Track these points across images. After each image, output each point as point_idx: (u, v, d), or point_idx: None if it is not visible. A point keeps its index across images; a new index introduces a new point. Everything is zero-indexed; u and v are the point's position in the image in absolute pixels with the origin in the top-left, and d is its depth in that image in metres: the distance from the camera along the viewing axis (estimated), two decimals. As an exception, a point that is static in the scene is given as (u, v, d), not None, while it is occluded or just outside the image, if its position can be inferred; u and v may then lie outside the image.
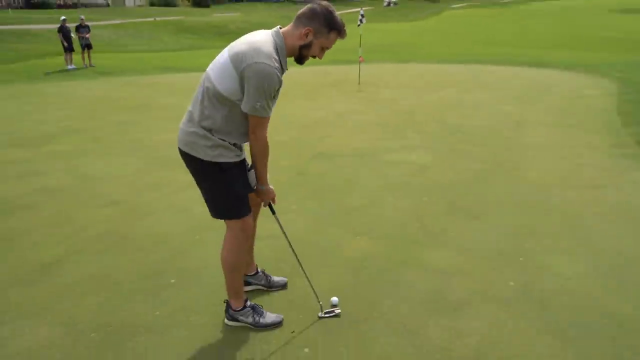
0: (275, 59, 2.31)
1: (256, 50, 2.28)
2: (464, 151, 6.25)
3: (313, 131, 7.41)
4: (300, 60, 2.46)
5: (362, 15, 11.86)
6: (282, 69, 2.37)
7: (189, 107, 2.53)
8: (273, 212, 2.81)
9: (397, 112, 8.80)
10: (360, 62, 12.33)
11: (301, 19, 2.39)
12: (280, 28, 2.43)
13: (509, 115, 8.42)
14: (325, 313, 2.86)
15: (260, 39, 2.35)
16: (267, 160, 2.53)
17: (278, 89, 2.35)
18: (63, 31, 16.35)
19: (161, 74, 15.32)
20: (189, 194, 4.80)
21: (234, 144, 2.48)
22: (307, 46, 2.40)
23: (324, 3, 2.41)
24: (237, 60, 2.30)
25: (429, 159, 5.96)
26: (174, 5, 63.22)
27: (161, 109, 9.35)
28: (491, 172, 5.42)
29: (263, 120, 2.36)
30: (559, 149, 6.34)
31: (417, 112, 8.84)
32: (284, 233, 2.86)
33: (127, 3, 69.51)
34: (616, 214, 4.30)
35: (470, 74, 14.46)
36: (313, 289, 2.94)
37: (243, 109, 2.32)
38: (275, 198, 2.74)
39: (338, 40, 2.45)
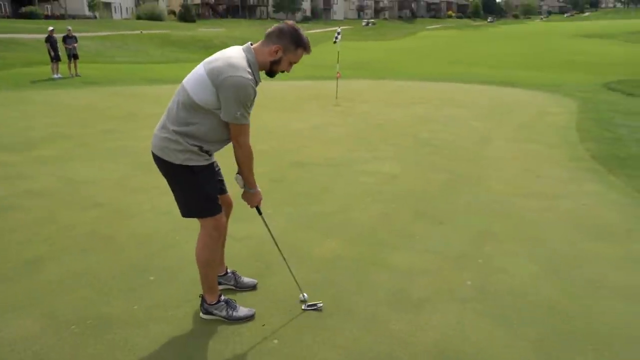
0: (249, 72, 2.46)
1: (231, 65, 2.42)
2: (432, 163, 6.42)
3: (291, 141, 7.52)
4: (271, 74, 2.63)
5: (339, 33, 12.07)
6: (256, 81, 2.51)
7: (163, 116, 2.64)
8: (260, 213, 2.91)
9: (371, 126, 8.97)
10: (337, 78, 12.51)
11: (271, 37, 2.54)
12: (252, 44, 2.57)
13: (476, 130, 8.65)
14: (309, 306, 2.96)
15: (234, 55, 2.48)
16: (252, 164, 2.65)
17: (253, 99, 2.51)
18: (50, 41, 16.21)
19: (147, 85, 15.29)
20: (171, 198, 4.84)
21: (207, 151, 2.58)
22: (277, 62, 2.56)
23: (290, 22, 2.56)
24: (214, 74, 2.43)
25: (399, 169, 6.10)
26: (160, 19, 62.95)
27: (147, 118, 9.36)
28: (457, 182, 5.59)
29: (244, 127, 2.51)
30: (521, 162, 6.55)
31: (390, 125, 9.02)
32: (270, 232, 2.96)
33: (114, 16, 69.04)
34: (569, 220, 4.49)
35: (441, 91, 14.78)
36: (297, 282, 3.03)
37: (224, 119, 2.46)
38: (262, 201, 2.84)
39: (307, 55, 2.67)
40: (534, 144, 7.63)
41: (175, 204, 2.74)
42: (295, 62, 2.60)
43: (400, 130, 8.55)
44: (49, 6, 59.38)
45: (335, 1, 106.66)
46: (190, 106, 2.50)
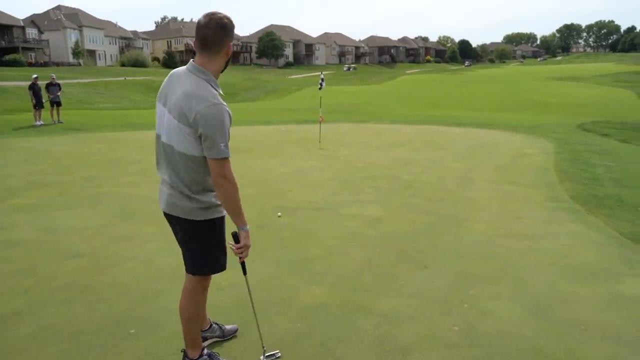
0: (215, 94, 2.37)
1: (197, 97, 2.32)
2: (415, 205, 6.48)
3: (275, 186, 7.54)
4: (224, 69, 2.52)
5: (323, 79, 12.30)
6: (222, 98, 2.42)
7: (163, 175, 2.57)
8: (245, 273, 2.78)
9: (354, 169, 9.06)
10: (320, 122, 12.69)
11: (217, 41, 2.39)
12: (194, 60, 2.44)
13: (456, 172, 8.79)
14: (267, 356, 2.89)
15: (191, 84, 2.38)
16: (239, 200, 2.49)
17: (231, 121, 2.41)
18: (34, 89, 16.26)
19: (130, 131, 15.32)
20: (153, 246, 4.79)
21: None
22: (229, 58, 2.50)
23: (219, 15, 2.37)
24: (184, 116, 2.34)
25: (382, 212, 6.14)
26: (144, 66, 63.69)
27: (129, 164, 9.33)
28: (439, 224, 5.63)
29: (228, 161, 2.41)
30: (500, 203, 6.64)
31: (372, 168, 9.12)
32: (247, 285, 2.88)
33: (98, 63, 69.73)
34: (551, 261, 4.53)
35: (422, 133, 15.06)
36: (260, 333, 2.97)
37: (209, 157, 2.36)
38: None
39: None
40: (514, 184, 7.76)
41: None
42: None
43: (383, 173, 8.64)
44: (32, 54, 59.77)
45: (317, 47, 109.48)
46: (183, 159, 2.43)
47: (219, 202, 2.53)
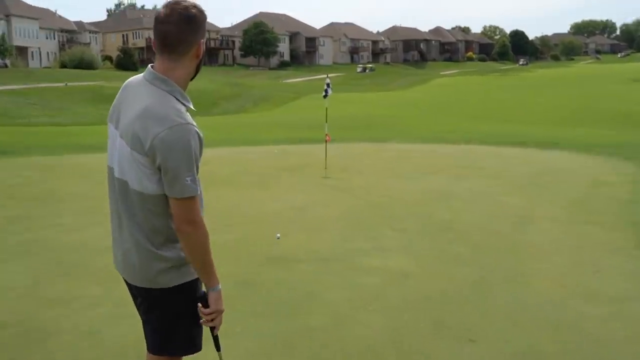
0: (181, 111, 2.36)
1: (155, 116, 2.31)
2: (455, 254, 6.44)
3: (264, 229, 7.53)
4: (195, 76, 2.54)
5: (328, 85, 12.41)
6: (189, 110, 2.45)
7: (115, 222, 2.56)
8: (218, 349, 2.74)
9: (372, 205, 9.05)
10: (326, 142, 12.74)
11: (182, 39, 2.38)
12: (153, 66, 2.45)
13: (511, 208, 8.77)
14: None
15: (149, 98, 2.37)
16: (210, 251, 2.48)
17: (202, 145, 2.38)
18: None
19: (72, 154, 15.41)
20: (100, 312, 4.77)
21: None
22: (201, 60, 2.49)
23: (184, 4, 2.37)
24: (138, 141, 2.32)
25: (411, 264, 6.10)
26: (92, 68, 64.56)
27: (69, 200, 9.36)
28: (489, 281, 5.58)
29: (196, 201, 2.38)
30: (572, 251, 6.60)
31: (396, 204, 9.11)
32: None
33: (31, 64, 70.80)
34: (643, 333, 4.47)
35: (463, 156, 15.09)
36: None
37: (171, 195, 2.34)
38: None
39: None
40: (588, 225, 7.73)
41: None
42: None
43: (410, 210, 8.62)
44: (-56, 52, 60.82)
45: (322, 42, 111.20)
46: (148, 202, 2.41)
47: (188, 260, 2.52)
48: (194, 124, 2.37)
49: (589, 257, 6.37)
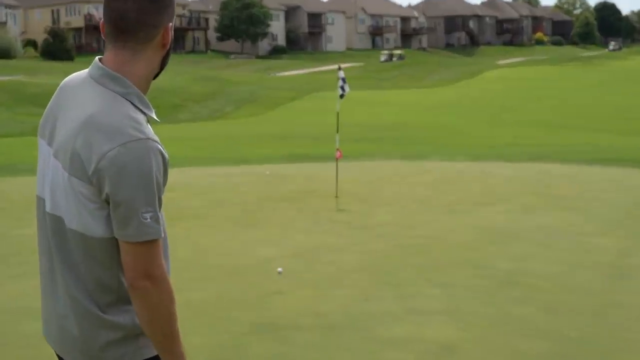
0: (139, 121, 2.34)
1: (103, 128, 2.29)
2: (521, 320, 6.39)
3: (252, 283, 7.51)
4: (159, 73, 2.57)
5: (343, 80, 12.43)
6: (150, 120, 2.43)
7: (46, 275, 2.53)
8: None
9: (402, 249, 9.01)
10: (337, 159, 12.74)
11: (144, 22, 2.40)
12: (101, 59, 2.45)
13: (600, 254, 8.71)
14: None
15: (95, 103, 2.37)
16: (176, 317, 2.44)
17: (166, 169, 2.36)
18: None
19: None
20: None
21: None
22: (168, 51, 2.53)
23: None
24: (78, 163, 2.30)
25: (458, 334, 6.05)
26: (10, 56, 64.94)
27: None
28: (570, 358, 5.52)
29: (157, 246, 2.34)
30: (690, 314, 6.54)
31: (436, 248, 9.06)
32: None
33: None
34: None
35: (532, 179, 15.05)
36: None
37: (122, 238, 2.31)
38: None
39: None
40: None
41: None
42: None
43: (458, 257, 8.57)
44: None
45: (331, 20, 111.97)
46: (91, 248, 2.39)
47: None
48: (157, 139, 2.33)
49: None
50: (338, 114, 12.84)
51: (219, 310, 6.66)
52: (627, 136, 27.00)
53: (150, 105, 2.47)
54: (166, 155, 2.34)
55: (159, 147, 2.31)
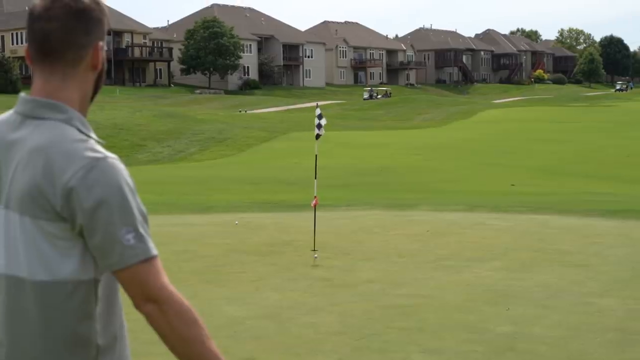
0: (91, 144, 2.38)
1: (60, 152, 2.33)
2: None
3: (219, 347, 7.46)
4: (93, 97, 2.58)
5: (320, 117, 12.49)
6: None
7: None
8: None
9: (386, 309, 9.02)
10: (314, 207, 12.76)
11: (70, 41, 2.44)
12: (30, 92, 2.47)
13: (607, 316, 8.76)
14: None
15: (38, 136, 2.39)
16: (204, 328, 2.49)
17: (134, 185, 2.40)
18: None
19: None
20: None
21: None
22: (101, 72, 2.56)
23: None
24: (39, 198, 2.31)
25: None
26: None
27: None
28: None
29: (155, 263, 2.37)
30: None
31: (426, 310, 9.08)
32: None
33: None
34: None
35: (531, 232, 15.12)
36: None
37: (108, 268, 2.34)
38: None
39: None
40: None
41: None
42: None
43: (447, 319, 8.60)
44: None
45: (309, 51, 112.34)
46: (60, 298, 2.38)
47: None
48: (115, 156, 2.37)
49: None
50: (316, 156, 12.89)
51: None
52: (634, 184, 27.22)
53: (91, 129, 2.45)
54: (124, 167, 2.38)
55: (120, 163, 2.35)
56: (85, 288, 2.37)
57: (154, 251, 2.37)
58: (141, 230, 2.34)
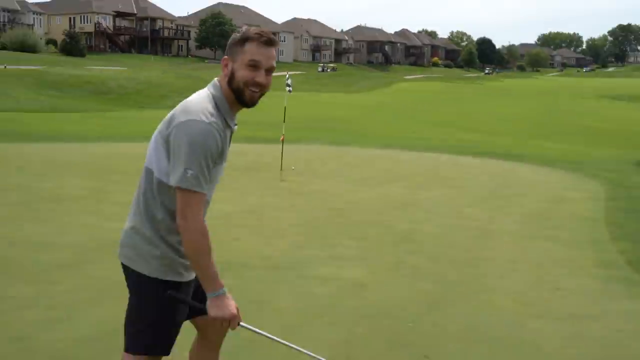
0: (212, 113, 2.46)
1: (186, 109, 2.47)
2: (413, 266, 6.46)
3: (215, 232, 7.40)
4: (241, 99, 2.57)
5: (288, 85, 12.45)
6: (225, 124, 2.54)
7: (132, 204, 2.66)
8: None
9: (328, 211, 9.05)
10: (282, 142, 12.71)
11: (223, 59, 2.61)
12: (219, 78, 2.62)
13: (472, 220, 8.86)
14: None
15: (194, 96, 2.56)
16: (210, 251, 2.53)
17: (220, 153, 2.49)
18: None
19: (9, 143, 15.00)
20: (32, 315, 4.61)
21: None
22: (232, 77, 2.53)
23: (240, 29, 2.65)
24: (164, 126, 2.49)
25: (367, 275, 6.09)
26: (35, 51, 63.02)
27: (5, 192, 9.07)
28: (447, 296, 5.60)
29: (195, 197, 2.42)
30: (533, 267, 6.69)
31: (353, 211, 9.12)
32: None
33: (-33, 44, 68.61)
34: (602, 354, 4.54)
35: (425, 164, 15.23)
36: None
37: (170, 183, 2.43)
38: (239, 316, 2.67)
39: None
40: (550, 241, 7.85)
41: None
42: (256, 62, 2.51)
43: (369, 219, 8.64)
44: None
45: (283, 38, 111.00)
46: (154, 183, 2.52)
47: (178, 260, 2.62)
48: (218, 129, 2.48)
49: (549, 274, 6.46)
50: (285, 108, 12.80)
51: (189, 250, 6.60)
52: (493, 136, 27.46)
53: (224, 115, 2.56)
54: (223, 137, 2.51)
55: (216, 129, 2.44)
56: (164, 186, 2.52)
57: (201, 189, 2.43)
58: (199, 175, 2.40)
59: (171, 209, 2.52)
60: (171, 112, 2.53)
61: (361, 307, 5.22)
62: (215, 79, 2.61)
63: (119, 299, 2.95)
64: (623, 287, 6.15)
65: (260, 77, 2.52)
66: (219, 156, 2.50)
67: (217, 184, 2.68)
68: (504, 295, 5.69)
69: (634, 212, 10.06)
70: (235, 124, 2.63)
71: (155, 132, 2.55)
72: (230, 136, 2.65)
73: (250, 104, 2.59)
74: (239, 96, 2.55)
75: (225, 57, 2.56)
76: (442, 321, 5.00)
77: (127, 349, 2.63)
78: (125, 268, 2.63)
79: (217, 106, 2.51)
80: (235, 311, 2.61)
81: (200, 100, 2.50)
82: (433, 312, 5.21)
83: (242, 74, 2.49)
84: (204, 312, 2.60)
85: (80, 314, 4.64)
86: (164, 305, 2.59)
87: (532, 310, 5.37)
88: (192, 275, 2.69)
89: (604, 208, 10.32)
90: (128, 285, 2.66)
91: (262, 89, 2.56)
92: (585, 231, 8.57)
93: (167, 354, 2.68)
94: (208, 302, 2.56)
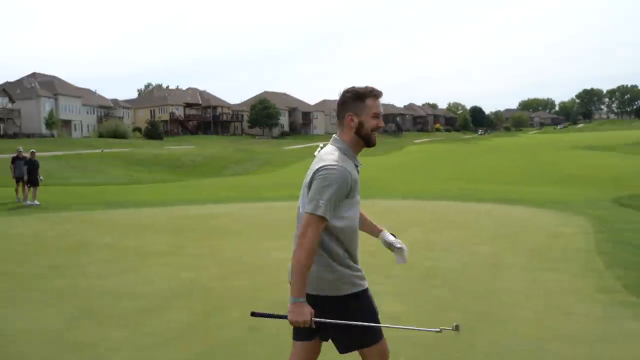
0: (341, 159, 2.63)
1: (322, 160, 2.64)
2: (440, 299, 6.07)
3: (270, 276, 7.13)
4: (366, 141, 2.76)
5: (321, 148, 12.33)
6: (353, 166, 2.71)
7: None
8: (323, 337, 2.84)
9: (362, 253, 8.68)
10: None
11: (339, 117, 2.77)
12: (336, 135, 2.79)
13: (483, 256, 8.41)
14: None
15: (325, 151, 2.74)
16: (308, 267, 2.58)
17: (353, 186, 2.64)
18: (15, 162, 16.61)
19: (104, 210, 15.07)
20: (122, 356, 4.34)
21: (353, 258, 2.81)
22: (361, 127, 2.70)
23: (341, 90, 2.75)
24: (307, 180, 2.64)
25: (402, 307, 5.73)
26: (125, 137, 64.73)
27: (99, 250, 8.96)
28: (472, 324, 5.19)
29: (316, 219, 2.52)
30: (543, 295, 6.24)
31: (384, 253, 8.74)
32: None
33: (74, 134, 70.91)
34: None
35: (438, 211, 14.80)
36: None
37: (304, 211, 2.58)
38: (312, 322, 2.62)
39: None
40: (554, 272, 7.37)
41: None
42: (378, 113, 2.73)
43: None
44: (1, 125, 60.95)
45: (315, 116, 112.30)
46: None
47: (350, 264, 2.80)
48: (347, 169, 2.64)
49: (558, 301, 6.01)
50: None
51: (248, 292, 6.30)
52: (492, 184, 26.90)
53: (352, 159, 2.74)
54: (353, 174, 2.66)
55: (346, 169, 2.61)
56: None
57: (324, 213, 2.53)
58: (328, 202, 2.54)
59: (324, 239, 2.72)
60: (310, 169, 2.70)
61: (399, 336, 4.84)
62: (334, 135, 2.80)
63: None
64: (625, 310, 5.66)
65: (382, 123, 2.78)
66: (352, 189, 2.65)
67: (359, 211, 2.85)
68: (521, 322, 5.26)
69: (620, 242, 9.52)
70: (360, 163, 2.78)
71: (302, 188, 2.71)
72: (358, 172, 2.77)
73: (374, 143, 2.78)
74: (367, 141, 2.75)
75: (350, 113, 2.69)
76: (470, 347, 4.62)
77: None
78: (314, 298, 2.76)
79: (344, 154, 2.67)
80: (309, 318, 2.60)
81: (332, 152, 2.67)
82: (463, 338, 4.80)
83: (371, 123, 2.70)
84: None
85: (162, 355, 4.37)
86: (365, 309, 2.95)
87: (549, 334, 4.93)
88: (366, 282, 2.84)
89: (593, 240, 9.78)
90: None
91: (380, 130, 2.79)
92: (582, 261, 8.07)
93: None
94: (288, 307, 2.60)
